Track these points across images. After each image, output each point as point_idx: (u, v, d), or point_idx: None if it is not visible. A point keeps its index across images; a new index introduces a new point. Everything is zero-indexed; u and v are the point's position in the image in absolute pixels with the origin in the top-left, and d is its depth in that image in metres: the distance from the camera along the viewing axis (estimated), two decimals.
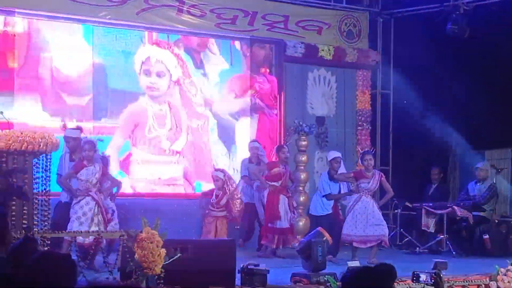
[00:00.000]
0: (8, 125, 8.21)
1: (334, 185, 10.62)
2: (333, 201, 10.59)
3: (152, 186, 11.78)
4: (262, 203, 10.73)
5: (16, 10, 10.76)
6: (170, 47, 12.05)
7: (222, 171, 10.54)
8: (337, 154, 10.77)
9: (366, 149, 11.14)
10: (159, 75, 11.95)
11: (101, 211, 8.53)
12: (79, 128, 9.41)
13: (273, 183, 10.53)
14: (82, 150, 8.66)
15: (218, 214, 10.13)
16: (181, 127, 12.03)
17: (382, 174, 10.22)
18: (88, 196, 8.48)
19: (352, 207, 9.91)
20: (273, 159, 11.08)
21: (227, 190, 10.16)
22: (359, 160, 10.39)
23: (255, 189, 10.87)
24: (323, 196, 10.54)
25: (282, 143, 11.79)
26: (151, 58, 11.87)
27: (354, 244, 9.80)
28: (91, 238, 7.84)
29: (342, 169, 10.59)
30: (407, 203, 12.22)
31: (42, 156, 7.15)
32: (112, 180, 9.17)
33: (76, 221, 8.37)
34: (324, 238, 8.29)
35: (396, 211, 12.41)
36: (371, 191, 9.99)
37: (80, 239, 7.97)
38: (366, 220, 9.78)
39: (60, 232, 6.97)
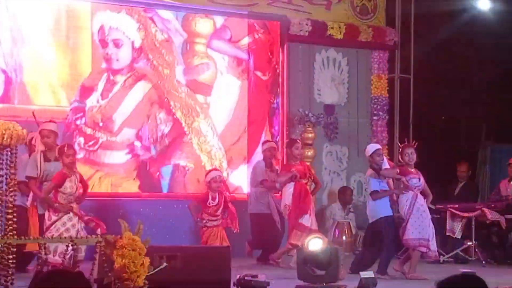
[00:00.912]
0: None
1: (383, 183, 9.95)
2: (384, 202, 9.82)
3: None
4: (278, 210, 10.68)
5: None
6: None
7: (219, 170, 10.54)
8: (377, 146, 10.41)
9: (406, 142, 10.74)
10: (116, 44, 11.80)
11: (83, 227, 8.52)
12: (54, 121, 9.37)
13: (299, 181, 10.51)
14: (63, 155, 8.44)
15: (217, 223, 10.12)
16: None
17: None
18: (69, 212, 8.39)
19: (412, 206, 9.70)
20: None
21: (225, 194, 10.17)
22: (399, 155, 10.18)
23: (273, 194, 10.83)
24: (371, 193, 9.88)
25: (293, 138, 11.56)
26: (104, 26, 11.66)
27: (421, 249, 9.70)
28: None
29: (386, 163, 10.28)
30: (429, 205, 12.17)
31: (6, 150, 7.10)
32: (84, 185, 8.89)
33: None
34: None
35: None
36: (422, 189, 9.86)
37: (52, 258, 8.00)
38: (430, 221, 9.72)
39: (25, 238, 6.94)
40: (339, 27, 13.13)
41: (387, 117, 13.61)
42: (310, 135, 12.04)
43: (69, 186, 8.42)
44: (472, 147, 13.94)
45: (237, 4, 12.45)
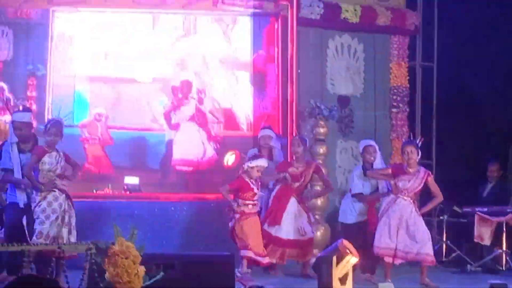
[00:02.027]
0: None
1: (368, 183, 10.48)
2: (365, 205, 10.49)
3: None
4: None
5: None
6: None
7: None
8: (369, 142, 10.63)
9: (408, 138, 10.94)
10: None
11: (72, 206, 8.79)
12: (28, 109, 9.40)
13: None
14: (45, 133, 8.81)
15: (254, 210, 10.16)
16: None
17: (430, 172, 10.09)
18: (54, 190, 8.66)
19: (385, 211, 9.87)
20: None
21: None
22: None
23: (271, 187, 10.81)
24: (353, 195, 10.41)
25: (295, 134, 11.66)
26: None
27: (386, 259, 9.80)
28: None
29: (378, 162, 10.47)
30: (455, 208, 12.19)
31: None
32: (74, 165, 9.19)
33: (47, 221, 8.54)
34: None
35: (441, 217, 12.39)
36: (411, 192, 9.92)
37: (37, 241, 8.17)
38: (403, 229, 9.74)
39: (9, 245, 6.96)
40: (355, 10, 13.12)
41: (407, 110, 13.59)
42: (322, 130, 12.00)
43: (48, 161, 8.72)
44: (504, 143, 13.91)
45: None
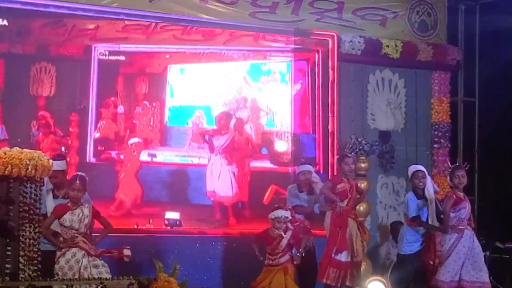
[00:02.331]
0: None
1: (423, 209, 10.21)
2: (420, 234, 10.27)
3: None
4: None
5: None
6: None
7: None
8: (418, 167, 10.49)
9: (458, 163, 10.88)
10: None
11: (94, 263, 8.45)
12: (62, 157, 9.42)
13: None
14: (69, 188, 8.64)
15: (276, 262, 9.82)
16: None
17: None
18: (74, 247, 8.45)
19: (454, 247, 9.77)
20: None
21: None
22: (448, 177, 10.22)
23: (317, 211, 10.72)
24: (411, 220, 10.22)
25: (345, 153, 11.54)
26: None
27: None
28: None
29: (430, 186, 10.33)
30: (497, 244, 12.09)
31: (30, 183, 7.19)
32: (104, 224, 8.91)
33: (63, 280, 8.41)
34: None
35: (483, 253, 12.28)
36: (468, 218, 9.90)
37: None
38: (469, 259, 9.70)
39: (51, 279, 7.01)
40: (396, 45, 13.15)
41: (449, 145, 13.56)
42: (363, 165, 12.01)
43: (69, 219, 8.46)
44: None
45: (282, 20, 12.54)
